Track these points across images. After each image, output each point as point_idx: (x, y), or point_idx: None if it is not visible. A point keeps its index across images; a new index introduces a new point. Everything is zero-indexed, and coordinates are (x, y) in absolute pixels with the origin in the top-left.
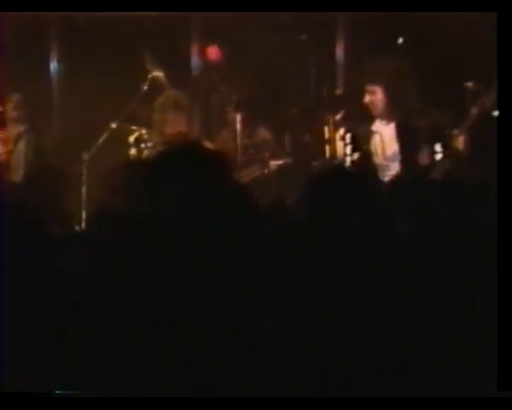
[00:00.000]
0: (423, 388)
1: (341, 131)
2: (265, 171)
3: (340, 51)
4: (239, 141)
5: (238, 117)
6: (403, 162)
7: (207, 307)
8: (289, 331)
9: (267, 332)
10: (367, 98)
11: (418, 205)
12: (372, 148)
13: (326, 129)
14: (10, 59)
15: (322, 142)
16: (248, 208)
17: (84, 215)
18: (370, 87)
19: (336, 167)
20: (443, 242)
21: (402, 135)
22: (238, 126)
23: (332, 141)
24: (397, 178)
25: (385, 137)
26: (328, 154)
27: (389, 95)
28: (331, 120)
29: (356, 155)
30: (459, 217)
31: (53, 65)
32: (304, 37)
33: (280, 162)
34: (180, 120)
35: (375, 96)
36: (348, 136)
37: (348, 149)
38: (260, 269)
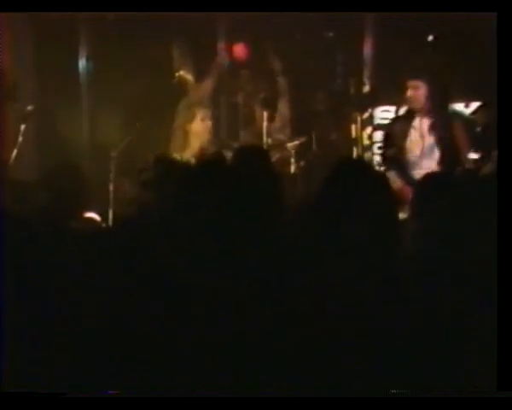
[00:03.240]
0: (423, 388)
1: (370, 129)
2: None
3: (367, 49)
4: (265, 139)
5: (264, 115)
6: (438, 159)
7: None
8: (312, 329)
9: (292, 328)
10: (409, 93)
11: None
12: (407, 144)
13: (353, 126)
14: (38, 57)
15: (349, 139)
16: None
17: (111, 213)
18: (413, 82)
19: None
20: (447, 241)
21: (439, 131)
22: (264, 124)
23: (359, 138)
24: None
25: (421, 133)
26: (355, 151)
27: (432, 90)
28: (359, 118)
29: (389, 152)
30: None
31: (81, 63)
32: (330, 34)
33: (296, 143)
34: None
35: (418, 91)
36: (380, 133)
37: (381, 146)
38: (282, 267)
